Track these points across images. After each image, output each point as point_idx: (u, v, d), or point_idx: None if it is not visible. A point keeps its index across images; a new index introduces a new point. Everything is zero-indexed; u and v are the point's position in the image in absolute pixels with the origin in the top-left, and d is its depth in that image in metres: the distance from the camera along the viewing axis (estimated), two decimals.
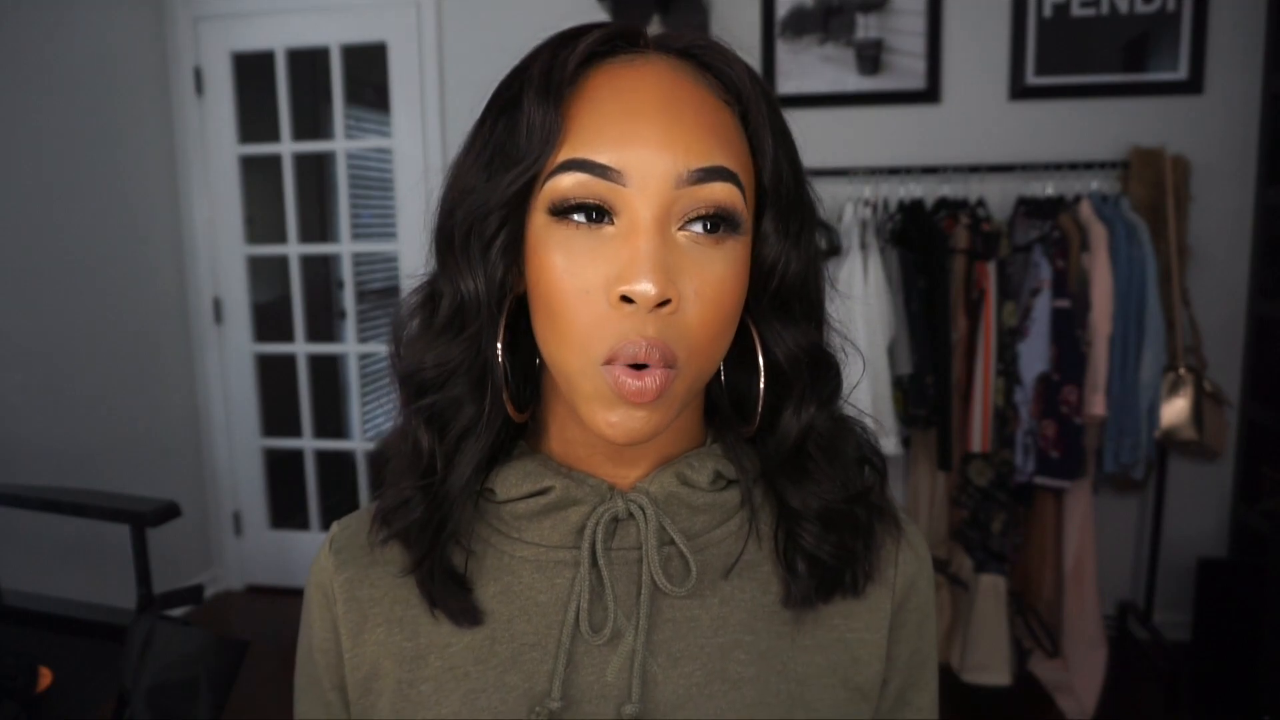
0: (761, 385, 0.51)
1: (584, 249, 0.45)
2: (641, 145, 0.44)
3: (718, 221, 0.45)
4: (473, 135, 0.49)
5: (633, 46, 0.49)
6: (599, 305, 0.44)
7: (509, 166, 0.46)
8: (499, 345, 0.49)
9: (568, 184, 0.45)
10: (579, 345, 0.45)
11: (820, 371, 0.52)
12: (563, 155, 0.45)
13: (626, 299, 0.43)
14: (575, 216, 0.45)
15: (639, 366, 0.44)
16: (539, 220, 0.46)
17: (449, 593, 0.51)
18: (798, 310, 0.51)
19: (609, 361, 0.44)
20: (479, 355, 0.50)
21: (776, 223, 0.49)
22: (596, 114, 0.45)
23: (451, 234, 0.49)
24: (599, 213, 0.45)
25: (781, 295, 0.50)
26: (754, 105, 0.48)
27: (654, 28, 0.53)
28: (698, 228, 0.45)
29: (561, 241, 0.45)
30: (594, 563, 0.51)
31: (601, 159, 0.44)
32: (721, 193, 0.45)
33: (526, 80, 0.47)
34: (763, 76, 2.61)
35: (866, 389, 2.22)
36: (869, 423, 0.58)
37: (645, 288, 0.42)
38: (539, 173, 0.46)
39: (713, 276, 0.45)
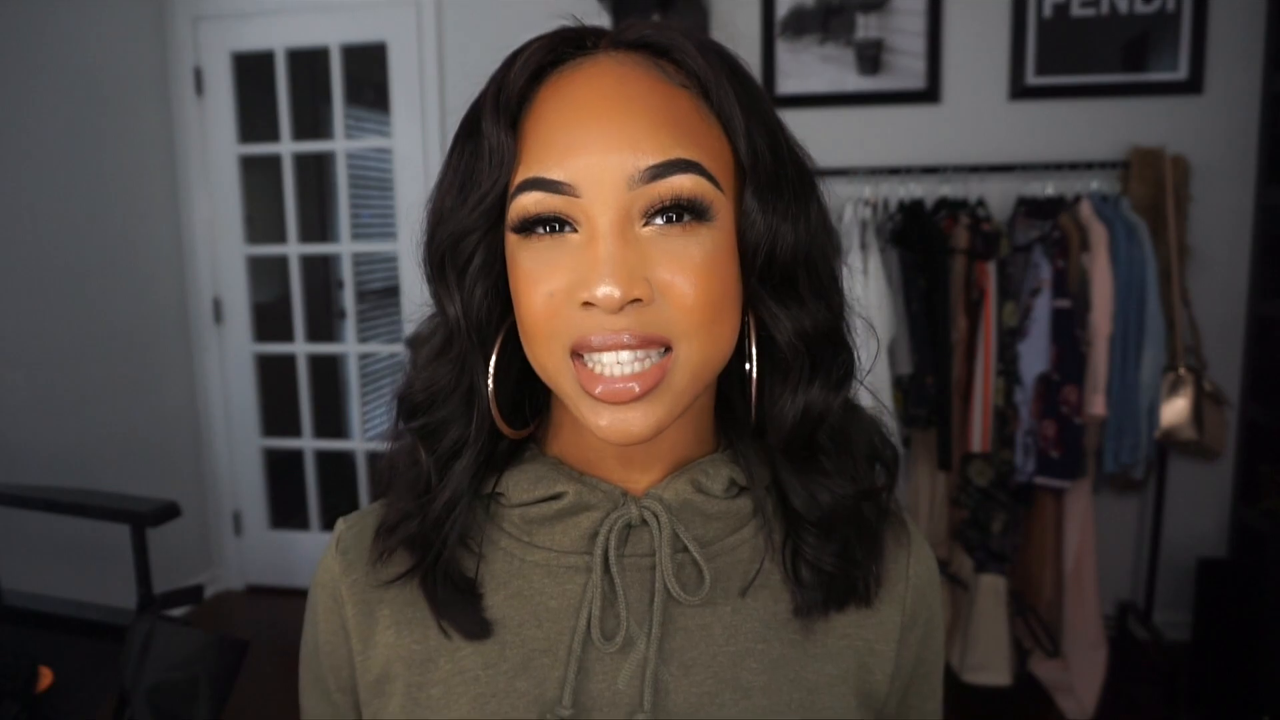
0: (754, 371, 0.50)
1: (549, 259, 0.45)
2: (589, 153, 0.43)
3: (681, 211, 0.44)
4: (446, 160, 0.49)
5: (580, 50, 0.48)
6: (565, 309, 0.44)
7: (475, 190, 0.47)
8: (489, 366, 0.50)
9: (529, 203, 0.45)
10: (546, 340, 0.45)
11: (824, 353, 0.50)
12: (520, 175, 0.45)
13: (590, 304, 0.43)
14: (539, 230, 0.45)
15: (617, 360, 0.44)
16: (511, 239, 0.47)
17: (455, 605, 0.51)
18: (804, 288, 0.48)
19: (576, 351, 0.44)
20: (464, 376, 0.50)
21: (759, 199, 0.46)
22: (546, 128, 0.45)
23: (433, 258, 0.50)
24: (560, 223, 0.45)
25: (777, 273, 0.48)
26: (715, 85, 0.46)
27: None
28: (660, 220, 0.44)
29: (529, 255, 0.45)
30: (606, 569, 0.50)
31: (553, 175, 0.44)
32: (681, 184, 0.44)
33: (484, 103, 0.47)
34: (761, 74, 2.57)
35: (876, 397, 2.22)
36: (885, 416, 0.56)
37: (607, 291, 0.42)
38: (502, 194, 0.46)
39: (689, 259, 0.44)
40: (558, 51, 0.47)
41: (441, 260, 0.49)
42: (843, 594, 0.52)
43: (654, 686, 0.49)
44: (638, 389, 0.44)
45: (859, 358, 0.52)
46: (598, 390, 0.44)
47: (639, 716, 0.48)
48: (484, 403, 0.50)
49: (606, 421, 0.45)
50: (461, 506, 0.51)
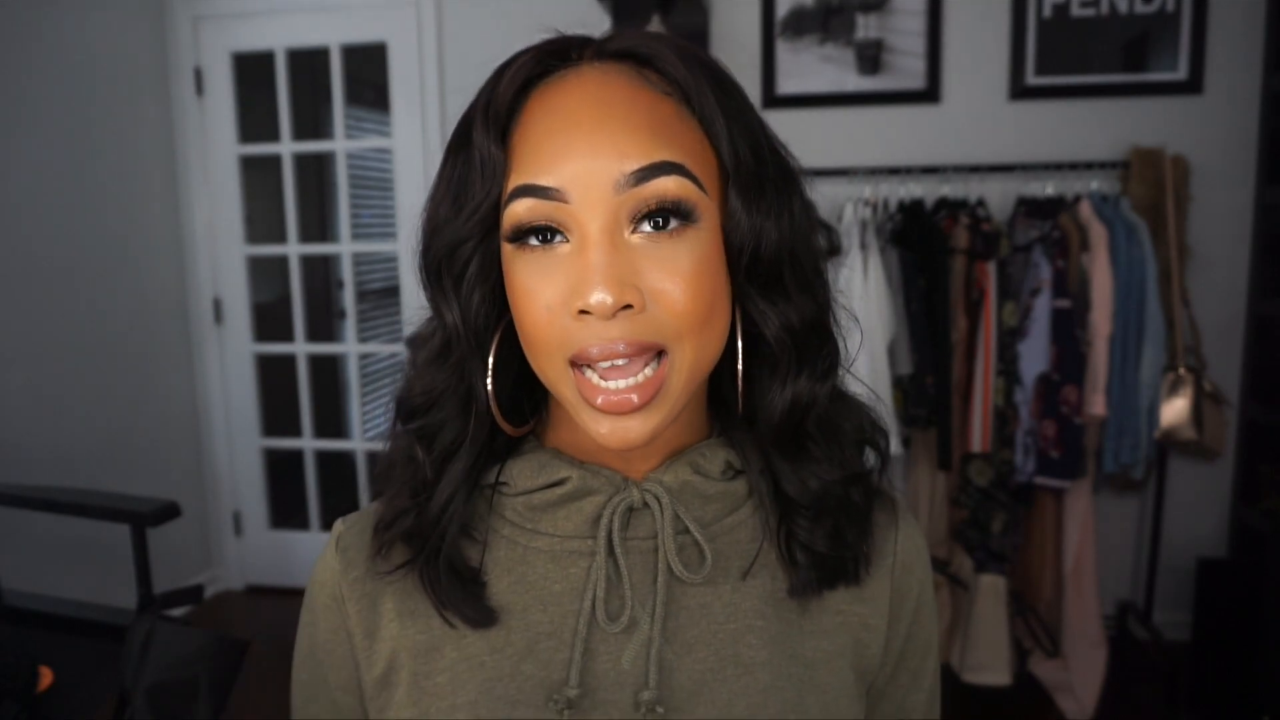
0: (740, 364, 0.51)
1: (543, 269, 0.46)
2: (576, 159, 0.45)
3: (667, 215, 0.45)
4: (440, 171, 0.51)
5: (565, 62, 0.49)
6: (562, 320, 0.46)
7: (469, 200, 0.48)
8: (488, 369, 0.51)
9: (521, 211, 0.46)
10: (546, 354, 0.47)
11: (810, 345, 0.51)
12: (512, 183, 0.47)
13: (585, 312, 0.44)
14: (531, 240, 0.46)
15: (615, 368, 0.45)
16: (506, 249, 0.48)
17: (457, 594, 0.52)
18: (790, 283, 0.50)
19: (575, 363, 0.46)
20: (463, 380, 0.52)
21: (742, 199, 0.48)
22: (535, 137, 0.46)
23: (429, 267, 0.51)
24: (551, 233, 0.46)
25: (763, 270, 0.49)
26: (696, 91, 0.48)
27: (654, 28, 0.53)
28: (648, 227, 0.45)
29: (524, 265, 0.47)
30: (610, 552, 0.52)
31: (543, 181, 0.45)
32: (666, 186, 0.45)
33: (474, 115, 0.48)
34: (761, 74, 2.56)
35: (867, 385, 2.22)
36: (878, 405, 0.58)
37: (600, 299, 0.43)
38: (495, 203, 0.48)
39: (679, 264, 0.45)
40: (545, 64, 0.49)
41: (438, 268, 0.50)
42: (834, 574, 0.53)
43: (658, 665, 0.50)
44: (636, 399, 0.46)
45: (844, 348, 0.54)
46: (599, 401, 0.46)
47: (644, 695, 0.50)
48: (482, 405, 0.52)
49: (607, 429, 0.46)
50: (457, 504, 0.52)
